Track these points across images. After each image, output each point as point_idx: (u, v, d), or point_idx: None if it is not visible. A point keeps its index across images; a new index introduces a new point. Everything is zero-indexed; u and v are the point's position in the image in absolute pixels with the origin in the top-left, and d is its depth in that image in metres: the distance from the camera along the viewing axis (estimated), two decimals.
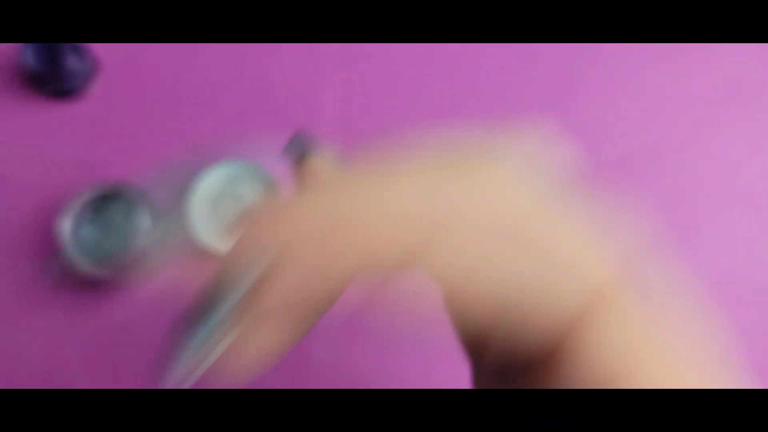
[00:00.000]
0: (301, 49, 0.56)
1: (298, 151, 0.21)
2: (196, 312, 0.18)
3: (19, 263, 0.55)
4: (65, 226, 0.49)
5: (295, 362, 0.53)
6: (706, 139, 0.54)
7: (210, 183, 0.53)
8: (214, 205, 0.54)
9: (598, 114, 0.55)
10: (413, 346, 0.52)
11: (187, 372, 0.18)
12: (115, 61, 0.56)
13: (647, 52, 0.55)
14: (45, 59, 0.51)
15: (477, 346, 0.20)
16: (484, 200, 0.17)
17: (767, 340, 0.52)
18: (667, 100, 0.55)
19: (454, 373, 0.51)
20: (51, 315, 0.54)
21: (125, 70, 0.56)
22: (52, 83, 0.53)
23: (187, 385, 0.18)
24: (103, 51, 0.56)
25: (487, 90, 0.56)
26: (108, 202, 0.51)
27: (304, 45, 0.56)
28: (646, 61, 0.55)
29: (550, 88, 0.55)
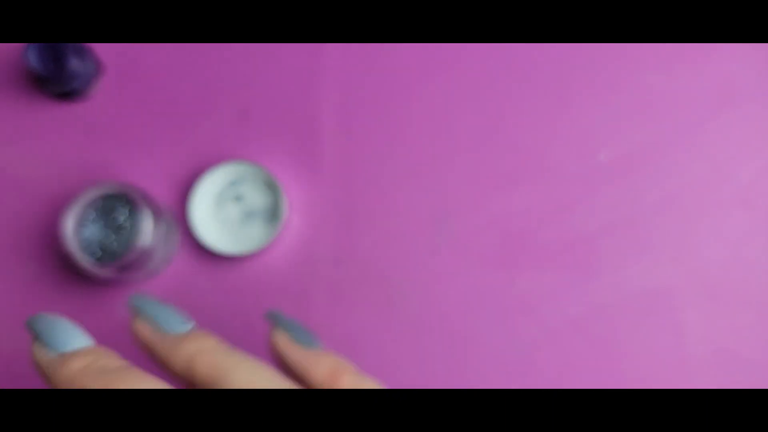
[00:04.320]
0: (301, 49, 0.57)
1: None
2: None
3: (22, 263, 0.55)
4: (68, 225, 0.49)
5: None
6: (702, 139, 0.55)
7: (212, 183, 0.54)
8: (216, 205, 0.54)
9: (594, 114, 0.55)
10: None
11: None
12: (118, 63, 0.56)
13: (643, 54, 0.56)
14: (47, 61, 0.51)
15: None
16: None
17: (763, 339, 0.53)
18: (663, 101, 0.55)
19: None
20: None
21: (127, 71, 0.56)
22: (55, 85, 0.53)
23: None
24: (106, 53, 0.56)
25: (486, 90, 0.56)
26: (111, 201, 0.51)
27: (303, 45, 0.57)
28: (642, 63, 0.56)
29: (547, 89, 0.56)
